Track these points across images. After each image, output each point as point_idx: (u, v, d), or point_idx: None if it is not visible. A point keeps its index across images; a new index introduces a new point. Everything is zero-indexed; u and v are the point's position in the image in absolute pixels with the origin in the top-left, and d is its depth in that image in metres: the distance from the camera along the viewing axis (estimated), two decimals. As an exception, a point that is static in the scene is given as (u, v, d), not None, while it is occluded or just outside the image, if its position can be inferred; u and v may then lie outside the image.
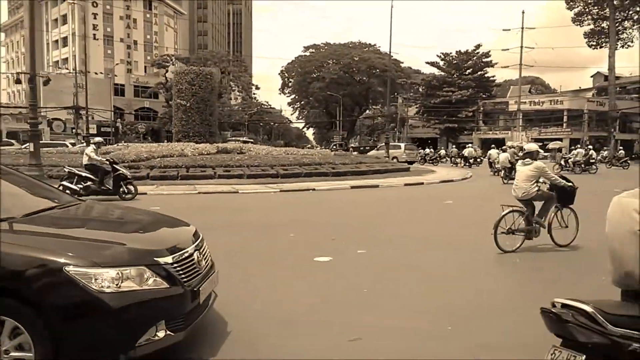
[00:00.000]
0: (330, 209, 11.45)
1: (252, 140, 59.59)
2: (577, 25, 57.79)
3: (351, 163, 20.74)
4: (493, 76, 61.47)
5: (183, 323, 3.20)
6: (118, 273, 2.89)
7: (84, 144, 33.47)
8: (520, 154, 13.87)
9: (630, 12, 56.13)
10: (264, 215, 10.11)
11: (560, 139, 54.53)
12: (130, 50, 72.01)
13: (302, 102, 73.71)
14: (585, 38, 57.63)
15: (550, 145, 51.36)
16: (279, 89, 75.84)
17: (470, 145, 35.73)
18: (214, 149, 21.64)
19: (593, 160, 27.33)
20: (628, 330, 1.94)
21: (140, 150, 18.74)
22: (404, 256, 6.74)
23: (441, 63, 62.06)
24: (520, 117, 57.38)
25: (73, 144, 36.77)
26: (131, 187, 12.25)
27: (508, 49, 54.69)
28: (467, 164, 31.84)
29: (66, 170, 12.50)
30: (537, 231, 7.22)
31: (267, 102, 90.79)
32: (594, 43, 57.21)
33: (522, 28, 53.85)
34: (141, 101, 71.01)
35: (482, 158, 34.13)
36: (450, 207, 12.23)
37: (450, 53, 60.65)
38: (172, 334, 3.10)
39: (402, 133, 64.10)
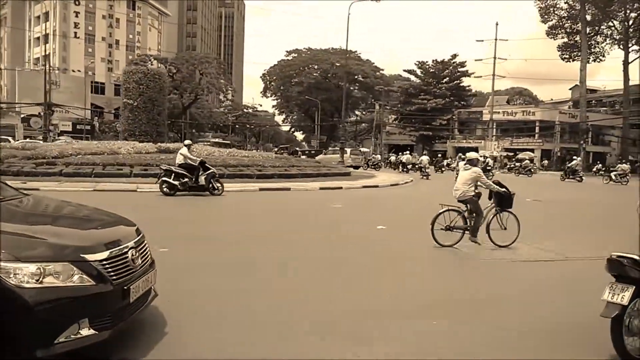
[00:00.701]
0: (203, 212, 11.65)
1: (228, 142, 59.83)
2: (551, 38, 58.65)
3: (282, 166, 20.96)
4: (468, 85, 62.10)
5: (110, 321, 3.12)
6: (39, 268, 2.83)
7: (41, 140, 33.64)
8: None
9: (602, 27, 57.03)
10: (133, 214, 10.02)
11: (532, 150, 55.13)
12: (112, 49, 72.17)
13: (283, 106, 74.07)
14: (558, 51, 58.45)
15: (520, 156, 51.96)
16: (261, 92, 76.18)
17: (407, 152, 36.38)
18: (155, 148, 21.83)
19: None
20: None
21: (66, 148, 18.91)
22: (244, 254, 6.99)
23: (418, 71, 62.70)
24: (494, 126, 58.02)
25: (45, 140, 36.97)
26: (218, 184, 14.00)
27: (481, 60, 55.46)
28: (404, 169, 32.39)
29: (163, 168, 13.84)
30: (476, 231, 7.89)
31: (255, 105, 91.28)
32: (567, 56, 58.04)
33: (496, 39, 54.57)
34: (120, 100, 71.02)
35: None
36: (333, 210, 12.44)
37: (427, 62, 61.28)
38: (97, 332, 3.02)
39: (379, 139, 64.59)
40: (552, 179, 33.43)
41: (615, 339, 3.62)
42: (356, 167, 32.19)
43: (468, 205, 7.93)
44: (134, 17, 75.47)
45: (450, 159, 44.58)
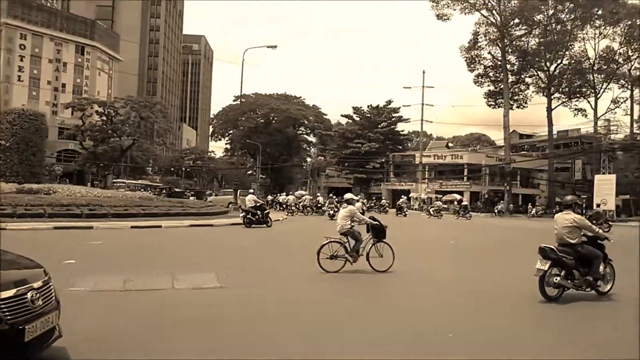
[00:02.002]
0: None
1: (159, 185, 59.88)
2: (478, 86, 61.56)
3: (148, 206, 21.32)
4: (402, 130, 64.09)
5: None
6: None
7: None
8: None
9: (525, 76, 60.21)
10: None
11: (461, 192, 56.46)
12: (57, 93, 72.81)
13: (229, 149, 74.94)
14: (485, 98, 61.22)
15: (444, 198, 53.17)
16: (209, 136, 77.10)
17: (291, 193, 37.59)
18: (13, 188, 21.93)
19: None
20: (563, 254, 7.26)
21: None
22: None
23: (355, 116, 64.61)
24: (426, 169, 59.62)
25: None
26: (269, 220, 20.56)
27: (409, 105, 57.52)
28: (281, 208, 34.23)
29: (244, 208, 21.04)
30: (355, 258, 9.41)
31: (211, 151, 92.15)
32: (493, 103, 60.74)
33: (423, 87, 57.04)
34: (65, 143, 70.99)
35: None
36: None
37: (361, 107, 63.32)
38: None
39: (318, 182, 65.45)
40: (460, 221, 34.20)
41: (541, 288, 7.19)
42: None
43: (348, 236, 9.50)
44: (82, 62, 76.70)
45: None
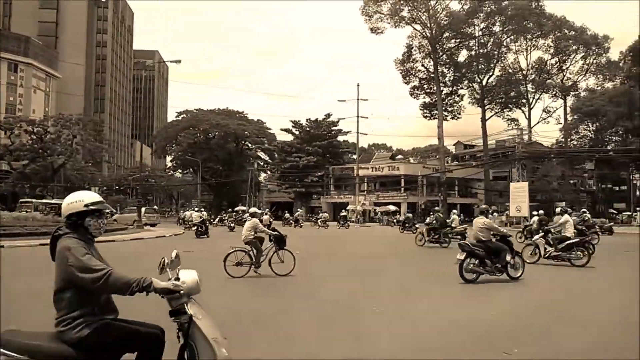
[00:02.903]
0: None
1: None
2: (414, 98, 62.54)
3: (13, 226, 20.35)
4: (342, 142, 64.24)
5: None
6: None
7: None
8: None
9: (456, 88, 61.56)
10: None
11: (398, 203, 56.85)
12: (-13, 112, 69.90)
13: (172, 166, 73.54)
14: (420, 109, 62.21)
15: (378, 209, 53.37)
16: (151, 153, 75.50)
17: (196, 209, 36.40)
18: None
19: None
20: (476, 247, 10.02)
21: None
22: None
23: (294, 130, 64.45)
24: (365, 182, 59.86)
25: None
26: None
27: (344, 118, 57.88)
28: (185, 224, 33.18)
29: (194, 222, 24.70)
30: (259, 264, 10.47)
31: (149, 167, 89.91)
32: (428, 114, 61.76)
33: (358, 99, 57.37)
34: (-4, 164, 68.01)
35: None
36: None
37: (300, 121, 63.27)
38: None
39: (258, 197, 64.76)
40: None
41: (460, 272, 9.58)
42: (152, 225, 32.21)
43: (251, 245, 10.57)
44: (15, 80, 74.15)
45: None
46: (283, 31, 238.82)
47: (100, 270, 2.84)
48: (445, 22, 56.10)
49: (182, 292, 3.00)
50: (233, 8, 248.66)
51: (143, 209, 33.96)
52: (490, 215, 10.85)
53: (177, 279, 3.05)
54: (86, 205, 3.02)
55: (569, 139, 55.16)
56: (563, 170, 52.80)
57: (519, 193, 40.03)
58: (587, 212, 27.47)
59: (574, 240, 12.89)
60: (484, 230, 10.15)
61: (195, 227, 25.00)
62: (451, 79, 60.65)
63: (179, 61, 37.96)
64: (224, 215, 44.47)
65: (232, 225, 31.90)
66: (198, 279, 3.12)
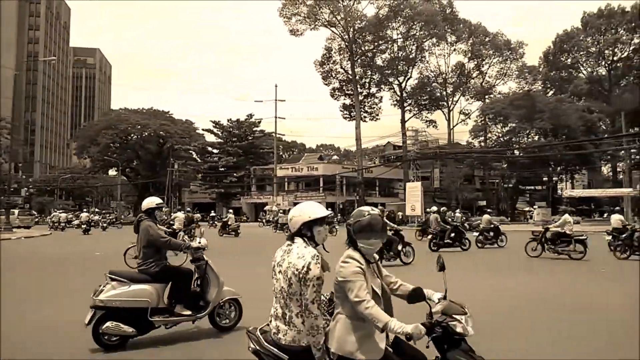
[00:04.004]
0: None
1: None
2: (335, 99, 63.38)
3: None
4: (264, 143, 64.33)
5: None
6: None
7: None
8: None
9: (373, 90, 62.87)
10: None
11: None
12: None
13: (93, 167, 71.69)
14: (340, 111, 63.12)
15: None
16: (74, 153, 73.40)
17: (85, 211, 36.21)
18: None
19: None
20: None
21: None
22: None
23: (215, 130, 64.09)
24: (286, 182, 60.16)
25: None
26: None
27: (262, 119, 58.12)
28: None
29: None
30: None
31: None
32: (348, 116, 62.70)
33: (276, 100, 57.62)
34: None
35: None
36: None
37: (220, 121, 62.99)
38: None
39: (181, 198, 64.04)
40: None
41: None
42: (27, 227, 31.41)
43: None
44: None
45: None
46: (260, 29, 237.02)
47: (167, 238, 5.92)
48: (360, 26, 57.00)
49: (205, 248, 6.03)
50: (210, 7, 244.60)
51: (16, 211, 33.07)
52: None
53: (199, 242, 6.03)
54: None
55: (478, 140, 57.18)
56: (470, 170, 54.76)
57: (413, 193, 41.26)
58: (465, 212, 28.70)
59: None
60: None
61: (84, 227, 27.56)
62: (368, 80, 61.79)
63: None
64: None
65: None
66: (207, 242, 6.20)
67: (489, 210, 28.15)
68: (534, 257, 14.89)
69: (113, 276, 5.39)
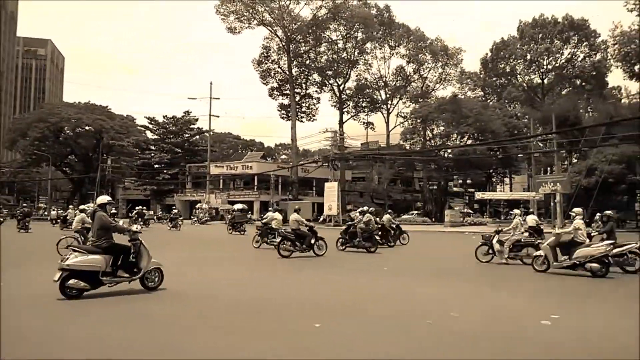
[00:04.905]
0: None
1: None
2: (273, 99, 63.56)
3: None
4: (199, 141, 63.88)
5: None
6: None
7: None
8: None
9: (310, 91, 63.42)
10: None
11: (251, 202, 57.33)
12: None
13: (23, 161, 69.54)
14: (278, 111, 63.36)
15: (220, 208, 53.55)
16: (5, 146, 71.03)
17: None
18: None
19: None
20: (289, 233, 15.13)
21: None
22: None
23: (151, 126, 63.25)
24: (220, 179, 59.85)
25: None
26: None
27: (197, 118, 57.80)
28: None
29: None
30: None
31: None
32: (285, 115, 63.01)
33: (210, 98, 57.25)
34: None
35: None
36: None
37: (154, 117, 62.21)
38: None
39: (115, 194, 62.88)
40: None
41: (278, 251, 14.84)
42: None
43: (79, 233, 14.12)
44: None
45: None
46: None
47: (114, 223, 8.33)
48: (295, 27, 57.28)
49: (140, 232, 8.42)
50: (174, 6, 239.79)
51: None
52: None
53: (136, 228, 8.50)
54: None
55: (409, 143, 58.30)
56: (395, 171, 55.88)
57: (330, 192, 41.79)
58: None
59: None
60: (295, 223, 15.02)
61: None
62: (305, 81, 62.24)
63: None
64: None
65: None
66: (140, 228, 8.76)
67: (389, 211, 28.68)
68: (485, 262, 13.79)
69: (75, 248, 8.03)
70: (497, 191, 61.00)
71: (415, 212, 55.03)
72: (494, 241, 13.73)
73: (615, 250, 11.18)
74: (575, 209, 12.05)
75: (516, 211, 14.43)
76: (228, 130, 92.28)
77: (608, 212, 12.06)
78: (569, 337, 5.79)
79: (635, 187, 37.28)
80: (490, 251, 13.80)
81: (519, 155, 47.97)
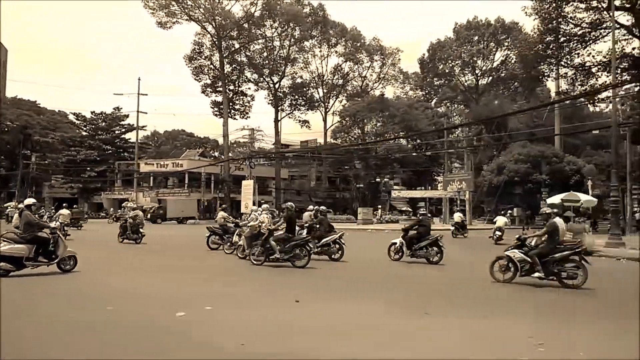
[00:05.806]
0: None
1: None
2: (206, 96, 62.70)
3: None
4: (129, 138, 62.48)
5: None
6: None
7: None
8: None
9: (242, 89, 63.05)
10: None
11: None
12: None
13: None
14: (211, 107, 62.63)
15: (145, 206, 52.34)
16: None
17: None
18: None
19: None
20: (217, 229, 17.69)
21: None
22: None
23: (77, 122, 61.44)
24: (151, 177, 58.70)
25: None
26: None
27: (127, 115, 56.54)
28: None
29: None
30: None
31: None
32: (217, 112, 62.30)
33: (138, 94, 55.90)
34: None
35: None
36: None
37: (80, 113, 60.49)
38: None
39: (41, 193, 60.79)
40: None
41: (207, 244, 17.74)
42: None
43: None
44: None
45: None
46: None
47: (37, 220, 11.28)
48: (226, 23, 56.66)
49: (56, 227, 11.46)
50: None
51: None
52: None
53: (54, 224, 11.85)
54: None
55: (340, 140, 58.68)
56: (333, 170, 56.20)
57: (247, 190, 41.59)
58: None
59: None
60: (220, 219, 17.45)
61: None
62: (236, 78, 61.79)
63: None
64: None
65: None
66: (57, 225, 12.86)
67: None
68: (395, 260, 14.15)
69: (4, 239, 10.15)
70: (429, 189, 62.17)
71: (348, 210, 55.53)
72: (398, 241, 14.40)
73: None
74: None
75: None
76: (181, 127, 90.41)
77: (546, 209, 10.92)
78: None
79: (540, 185, 38.68)
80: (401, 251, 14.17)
81: (442, 152, 48.93)
